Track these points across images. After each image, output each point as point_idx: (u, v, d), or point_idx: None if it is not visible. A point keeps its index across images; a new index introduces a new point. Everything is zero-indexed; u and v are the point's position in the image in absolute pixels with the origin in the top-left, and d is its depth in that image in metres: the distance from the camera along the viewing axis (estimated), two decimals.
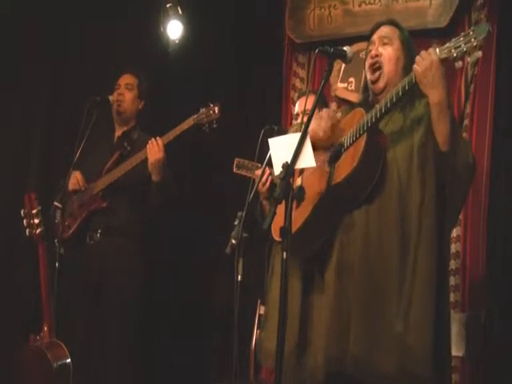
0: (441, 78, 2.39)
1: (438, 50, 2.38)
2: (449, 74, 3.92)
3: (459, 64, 2.39)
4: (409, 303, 2.40)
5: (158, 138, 3.70)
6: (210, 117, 3.64)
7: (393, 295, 2.42)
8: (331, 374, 2.46)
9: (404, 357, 2.37)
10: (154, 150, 3.66)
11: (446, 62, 2.39)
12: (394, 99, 2.47)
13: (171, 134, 3.71)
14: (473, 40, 2.29)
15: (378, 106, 2.51)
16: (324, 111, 2.68)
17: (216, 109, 3.65)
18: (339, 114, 2.75)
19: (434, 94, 2.40)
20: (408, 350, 2.36)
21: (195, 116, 3.67)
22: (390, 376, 2.37)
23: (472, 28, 2.33)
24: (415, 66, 2.42)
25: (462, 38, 2.32)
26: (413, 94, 2.50)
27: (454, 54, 2.34)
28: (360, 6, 4.28)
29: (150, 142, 3.69)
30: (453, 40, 2.35)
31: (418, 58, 2.42)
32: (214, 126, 3.66)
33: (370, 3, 4.25)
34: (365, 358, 2.40)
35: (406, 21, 3.96)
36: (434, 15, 4.02)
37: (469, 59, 3.83)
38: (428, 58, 2.38)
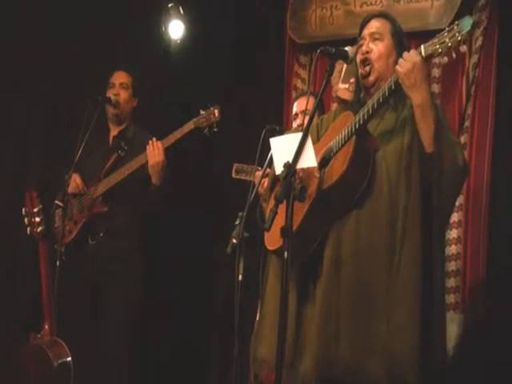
0: (423, 79, 2.38)
1: (422, 46, 2.36)
2: (450, 76, 3.98)
3: (445, 60, 2.36)
4: (392, 307, 2.38)
5: (158, 141, 3.66)
6: (210, 120, 3.60)
7: (381, 299, 2.41)
8: (322, 379, 2.46)
9: (391, 361, 2.35)
10: (154, 152, 3.63)
11: (432, 59, 2.37)
12: (381, 100, 2.45)
13: (171, 138, 3.66)
14: (457, 34, 2.26)
15: (364, 108, 2.48)
16: None
17: (216, 112, 3.60)
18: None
19: (417, 96, 2.39)
20: (394, 355, 2.35)
21: (195, 119, 3.63)
22: (380, 380, 2.36)
23: (456, 22, 2.31)
24: (397, 68, 2.40)
25: (446, 33, 2.29)
26: (404, 92, 2.45)
27: (439, 50, 2.31)
28: (361, 6, 4.28)
29: (149, 143, 3.64)
30: (437, 36, 2.32)
31: (400, 60, 2.40)
32: (215, 129, 3.63)
33: (371, 4, 4.25)
34: (355, 362, 2.39)
35: (408, 22, 3.96)
36: (435, 16, 4.02)
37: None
38: (410, 60, 2.36)
